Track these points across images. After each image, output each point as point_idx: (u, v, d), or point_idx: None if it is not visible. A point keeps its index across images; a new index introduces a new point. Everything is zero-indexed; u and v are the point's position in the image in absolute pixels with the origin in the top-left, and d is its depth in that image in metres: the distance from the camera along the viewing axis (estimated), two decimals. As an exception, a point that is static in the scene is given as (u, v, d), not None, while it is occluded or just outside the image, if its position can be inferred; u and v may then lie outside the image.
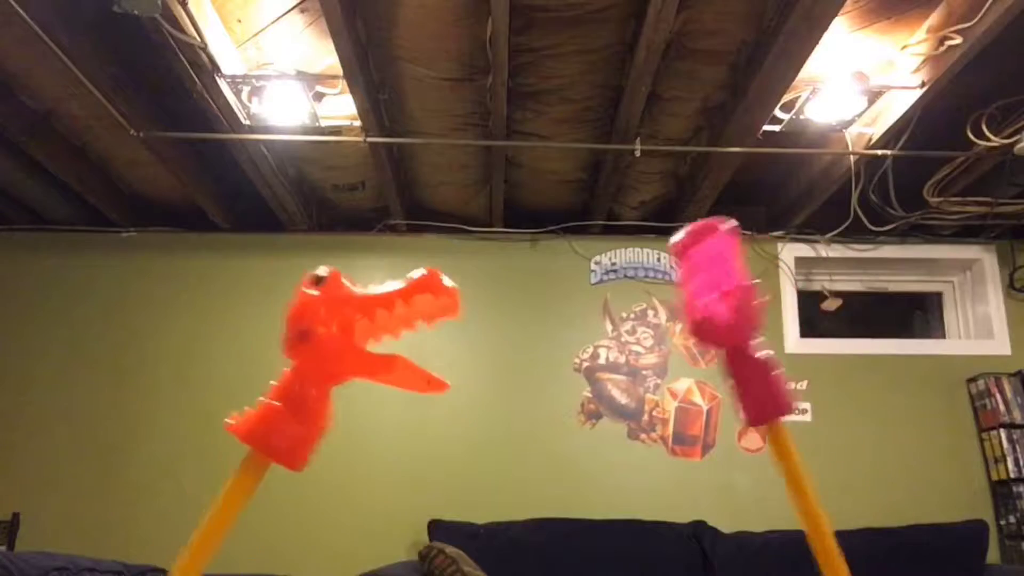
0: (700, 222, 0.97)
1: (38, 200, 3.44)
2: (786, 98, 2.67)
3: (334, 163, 3.25)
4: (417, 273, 0.86)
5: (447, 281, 0.86)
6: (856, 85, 2.61)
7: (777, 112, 2.75)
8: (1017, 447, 3.27)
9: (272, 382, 0.87)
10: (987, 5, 2.17)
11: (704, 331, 0.91)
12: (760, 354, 0.90)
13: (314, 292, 0.84)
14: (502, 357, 3.55)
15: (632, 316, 3.61)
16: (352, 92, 2.58)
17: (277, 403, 0.85)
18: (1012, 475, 3.24)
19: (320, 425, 0.88)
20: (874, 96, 2.74)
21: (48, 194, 3.37)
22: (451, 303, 0.89)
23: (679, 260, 0.97)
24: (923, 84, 2.53)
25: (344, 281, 0.86)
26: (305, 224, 3.62)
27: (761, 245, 3.66)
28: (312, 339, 0.84)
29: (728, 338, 0.91)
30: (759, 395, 0.92)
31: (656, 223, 3.64)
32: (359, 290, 0.86)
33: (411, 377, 0.91)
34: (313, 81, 2.67)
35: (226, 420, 0.87)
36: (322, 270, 0.85)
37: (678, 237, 0.97)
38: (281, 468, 0.89)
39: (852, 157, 3.00)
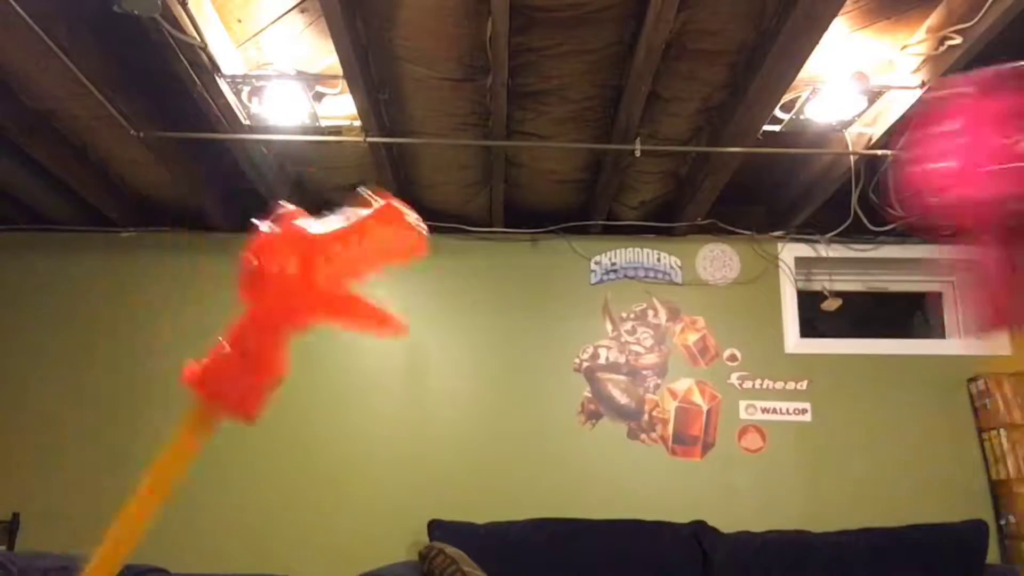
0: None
1: (38, 200, 3.44)
2: (786, 98, 2.67)
3: (334, 163, 3.25)
4: (374, 203, 0.77)
5: (410, 214, 0.76)
6: (856, 85, 2.61)
7: (777, 112, 2.75)
8: (1017, 447, 3.27)
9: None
10: (987, 5, 2.17)
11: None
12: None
13: (271, 231, 0.76)
14: (502, 357, 3.55)
15: (632, 316, 3.61)
16: (352, 92, 2.58)
17: (227, 349, 0.78)
18: (1012, 475, 3.24)
19: (274, 373, 0.81)
20: (874, 96, 2.74)
21: (48, 194, 3.37)
22: (416, 239, 0.79)
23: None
24: (923, 84, 2.53)
25: (301, 219, 0.77)
26: (305, 224, 3.61)
27: (761, 245, 3.66)
28: (265, 278, 0.78)
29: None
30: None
31: (656, 223, 3.64)
32: (318, 227, 0.78)
33: (370, 317, 0.81)
34: (313, 81, 2.67)
35: (184, 368, 0.80)
36: (281, 210, 0.77)
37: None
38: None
39: (852, 157, 3.00)
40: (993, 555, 3.20)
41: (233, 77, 2.56)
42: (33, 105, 2.80)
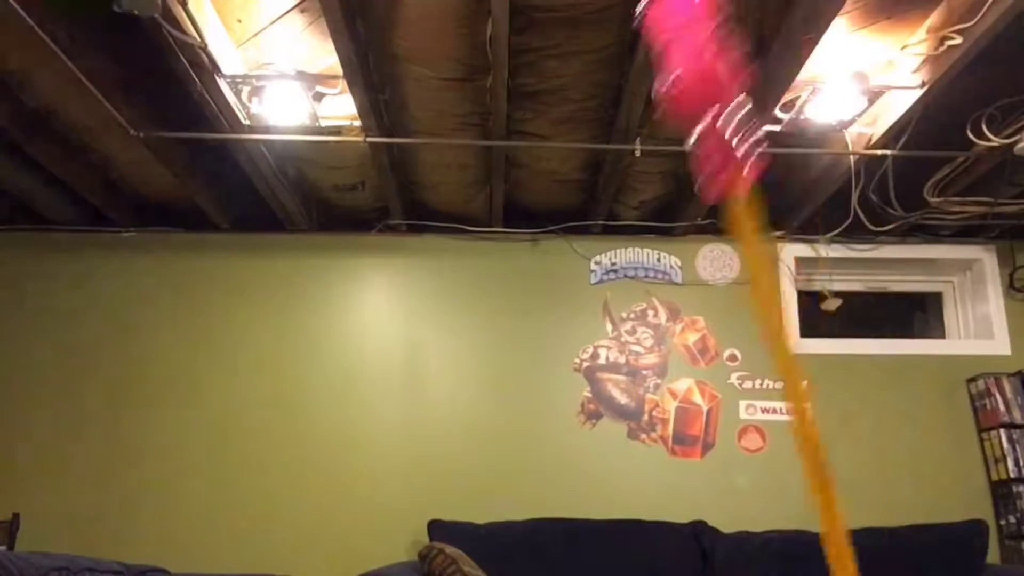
0: None
1: (38, 200, 3.44)
2: (786, 98, 2.67)
3: (334, 163, 3.25)
4: None
5: None
6: (856, 85, 2.61)
7: (777, 112, 2.75)
8: (1017, 447, 3.27)
9: None
10: (987, 5, 2.17)
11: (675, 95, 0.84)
12: (720, 121, 0.83)
13: None
14: (502, 357, 3.55)
15: (632, 316, 3.61)
16: (352, 92, 2.58)
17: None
18: (1012, 475, 3.24)
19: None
20: (874, 96, 2.74)
21: (48, 194, 3.37)
22: None
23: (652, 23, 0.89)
24: (923, 84, 2.53)
25: None
26: (305, 224, 3.62)
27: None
28: None
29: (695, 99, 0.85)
30: (716, 164, 0.85)
31: (656, 223, 3.64)
32: None
33: None
34: (313, 81, 2.67)
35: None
36: None
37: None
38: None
39: (852, 157, 3.00)
40: (993, 555, 3.20)
41: (233, 77, 2.56)
42: (33, 105, 2.80)
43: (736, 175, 0.88)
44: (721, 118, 0.86)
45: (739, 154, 0.87)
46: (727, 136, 0.87)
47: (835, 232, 3.50)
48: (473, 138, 2.98)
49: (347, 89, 2.59)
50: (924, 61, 2.49)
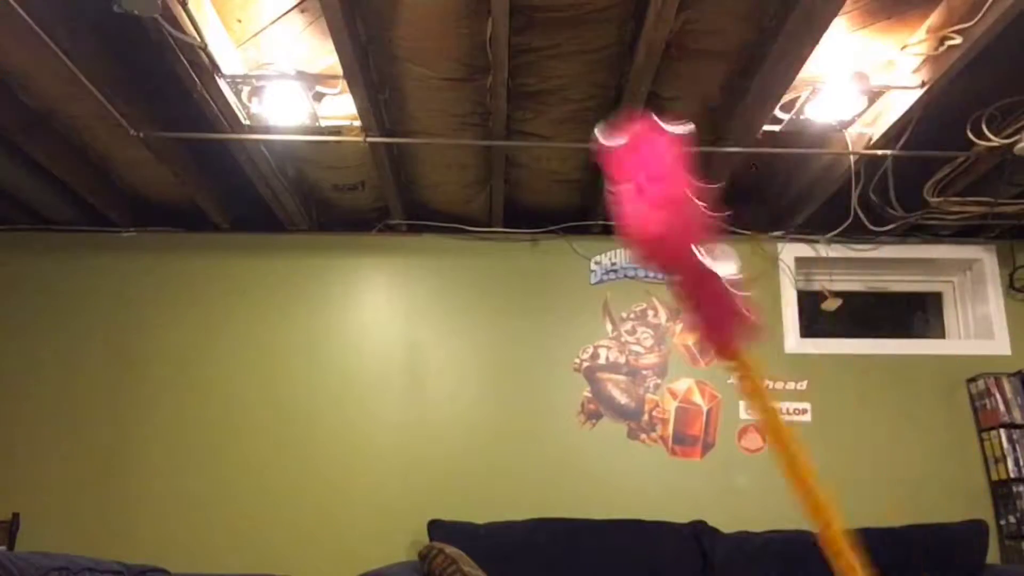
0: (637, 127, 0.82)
1: (38, 200, 3.44)
2: (786, 98, 2.67)
3: (334, 163, 3.25)
4: None
5: None
6: (856, 85, 2.61)
7: (777, 112, 2.75)
8: (1017, 447, 3.27)
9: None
10: (987, 5, 2.17)
11: (642, 245, 0.80)
12: (707, 267, 0.81)
13: None
14: (502, 357, 3.55)
15: (632, 316, 3.61)
16: (352, 92, 2.58)
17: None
18: (1012, 475, 3.24)
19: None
20: (874, 96, 2.74)
21: (48, 194, 3.37)
22: None
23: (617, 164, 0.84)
24: (923, 84, 2.53)
25: None
26: (305, 224, 3.62)
27: (761, 245, 3.66)
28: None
29: (665, 251, 0.80)
30: (713, 316, 0.82)
31: (656, 223, 3.63)
32: None
33: None
34: (313, 81, 2.67)
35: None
36: None
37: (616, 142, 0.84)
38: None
39: (852, 157, 3.00)
40: (993, 555, 3.20)
41: (233, 77, 2.56)
42: (33, 105, 2.80)
43: (735, 329, 0.84)
44: (706, 269, 0.83)
45: (733, 306, 0.84)
46: (717, 290, 0.83)
47: (835, 232, 3.50)
48: (473, 138, 2.98)
49: (347, 89, 2.59)
50: (924, 61, 2.49)
